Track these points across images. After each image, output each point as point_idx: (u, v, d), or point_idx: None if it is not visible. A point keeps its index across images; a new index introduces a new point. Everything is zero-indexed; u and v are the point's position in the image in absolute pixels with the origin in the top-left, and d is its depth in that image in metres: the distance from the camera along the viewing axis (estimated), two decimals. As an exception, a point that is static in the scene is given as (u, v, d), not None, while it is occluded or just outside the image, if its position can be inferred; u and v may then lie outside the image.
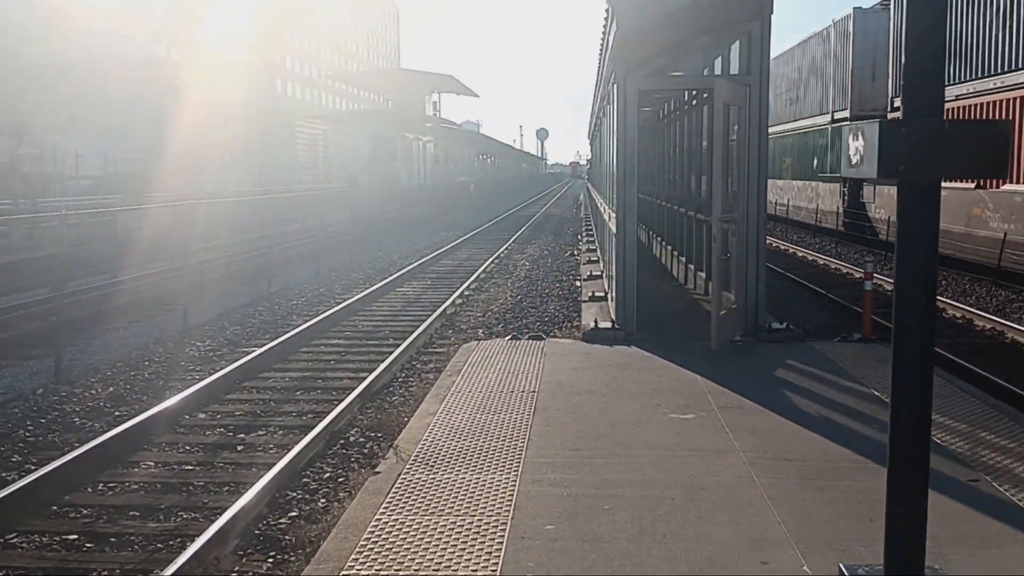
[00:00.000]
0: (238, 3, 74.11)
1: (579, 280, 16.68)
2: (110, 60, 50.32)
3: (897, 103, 22.74)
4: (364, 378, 9.46)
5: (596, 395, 6.69)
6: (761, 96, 8.59)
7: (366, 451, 7.17)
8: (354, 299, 15.14)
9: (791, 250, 24.87)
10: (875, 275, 10.15)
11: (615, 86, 9.45)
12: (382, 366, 9.88)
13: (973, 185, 18.57)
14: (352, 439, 7.55)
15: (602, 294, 11.30)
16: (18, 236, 23.52)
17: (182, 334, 12.39)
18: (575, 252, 24.72)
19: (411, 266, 20.26)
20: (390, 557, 3.85)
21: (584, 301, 11.30)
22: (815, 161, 30.65)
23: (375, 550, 3.93)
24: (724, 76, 8.12)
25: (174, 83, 57.63)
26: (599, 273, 13.63)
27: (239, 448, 7.40)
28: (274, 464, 6.65)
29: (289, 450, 7.08)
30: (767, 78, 8.63)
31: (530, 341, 8.87)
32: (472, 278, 18.10)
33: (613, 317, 9.14)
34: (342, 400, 8.47)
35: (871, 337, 8.92)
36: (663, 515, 4.29)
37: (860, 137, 3.02)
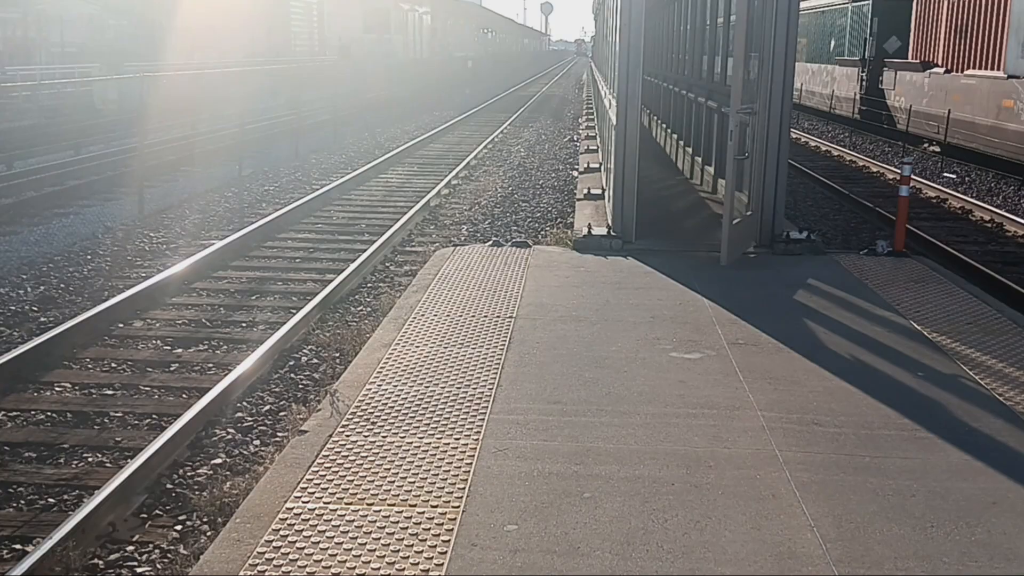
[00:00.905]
0: None
1: (576, 170, 15.43)
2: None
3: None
4: (329, 281, 8.43)
5: (584, 323, 5.64)
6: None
7: (315, 377, 6.19)
8: (331, 186, 13.94)
9: (803, 139, 23.43)
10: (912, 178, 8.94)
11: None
12: (351, 267, 8.82)
13: (1005, 75, 17.07)
14: (304, 359, 6.57)
15: (599, 191, 10.12)
16: (-20, 106, 22.05)
17: (136, 222, 11.27)
18: (574, 137, 23.30)
19: (398, 149, 18.92)
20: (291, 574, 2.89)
21: (579, 199, 10.12)
22: (832, 43, 28.74)
23: (273, 560, 2.96)
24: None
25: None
26: (597, 166, 12.39)
27: (172, 368, 6.41)
28: (208, 390, 5.69)
29: (229, 371, 6.11)
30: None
31: (514, 249, 7.77)
32: (462, 165, 16.82)
33: (609, 222, 8.00)
34: (300, 309, 7.46)
35: (902, 251, 7.81)
36: (659, 511, 3.30)
37: None
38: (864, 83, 24.96)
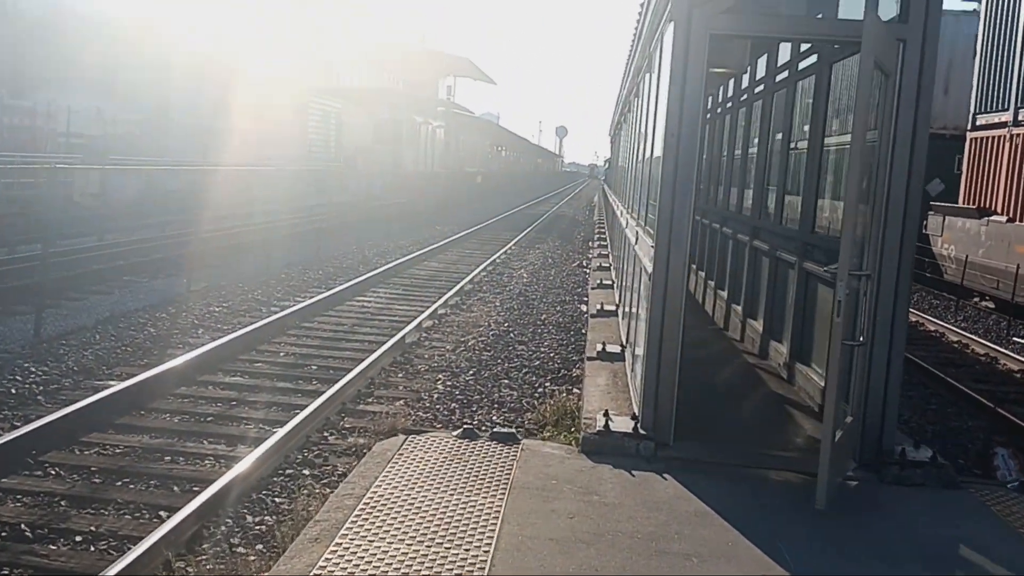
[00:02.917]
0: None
1: (586, 308, 13.07)
2: (114, 15, 46.84)
3: (982, 120, 19.00)
4: (236, 461, 5.94)
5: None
6: (924, 61, 4.97)
7: None
8: (293, 309, 11.57)
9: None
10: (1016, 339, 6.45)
11: (663, 33, 5.87)
12: (272, 440, 6.32)
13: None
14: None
15: (616, 348, 7.67)
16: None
17: (24, 349, 8.84)
18: (583, 263, 21.11)
19: (386, 266, 16.66)
20: None
21: (590, 357, 7.65)
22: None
23: None
24: (874, 19, 4.49)
25: (180, 45, 54.24)
26: (612, 308, 10.00)
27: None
28: None
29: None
30: (936, 30, 5.01)
31: (494, 446, 5.26)
32: (454, 290, 14.49)
33: (636, 410, 5.52)
34: (167, 522, 4.93)
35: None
36: None
37: None
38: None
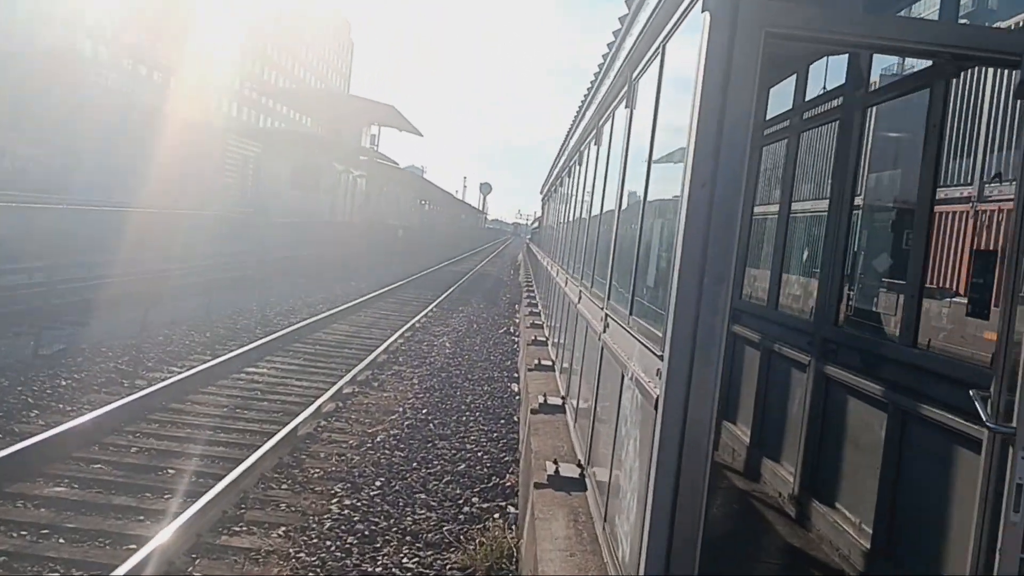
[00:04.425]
0: (186, 9, 67.22)
1: (517, 389, 11.12)
2: (21, 48, 43.76)
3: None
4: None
5: None
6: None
7: None
8: (162, 384, 9.30)
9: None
10: None
11: (664, 46, 4.12)
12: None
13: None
14: None
15: (573, 471, 5.71)
16: None
17: None
18: (511, 328, 19.23)
19: (287, 329, 14.44)
20: None
21: (539, 484, 5.65)
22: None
23: None
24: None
25: (94, 80, 51.30)
26: (557, 401, 8.04)
27: None
28: None
29: None
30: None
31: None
32: (366, 361, 12.39)
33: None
34: None
35: None
36: None
37: None
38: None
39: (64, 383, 9.32)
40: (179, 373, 10.26)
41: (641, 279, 4.46)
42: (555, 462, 5.83)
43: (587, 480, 5.52)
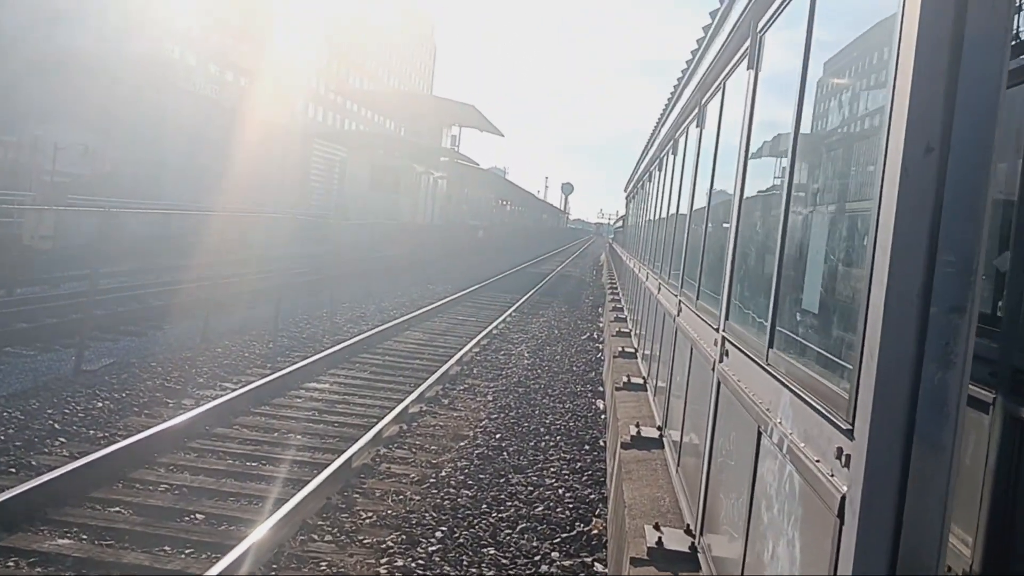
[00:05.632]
0: (269, 13, 67.81)
1: (600, 400, 9.80)
2: (113, 54, 44.43)
3: None
4: None
5: None
6: None
7: None
8: (211, 405, 8.34)
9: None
10: None
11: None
12: None
13: None
14: None
15: (683, 543, 4.39)
16: None
17: None
18: (595, 334, 17.90)
19: (354, 339, 13.42)
20: None
21: (636, 560, 4.36)
22: None
23: None
24: None
25: (181, 86, 51.98)
26: (652, 433, 6.73)
27: None
28: None
29: None
30: None
31: None
32: (436, 375, 11.26)
33: None
34: None
35: None
36: None
37: None
38: None
39: (101, 404, 8.44)
40: (231, 391, 9.32)
41: (789, 299, 3.13)
42: (657, 527, 4.53)
43: (702, 560, 4.20)
